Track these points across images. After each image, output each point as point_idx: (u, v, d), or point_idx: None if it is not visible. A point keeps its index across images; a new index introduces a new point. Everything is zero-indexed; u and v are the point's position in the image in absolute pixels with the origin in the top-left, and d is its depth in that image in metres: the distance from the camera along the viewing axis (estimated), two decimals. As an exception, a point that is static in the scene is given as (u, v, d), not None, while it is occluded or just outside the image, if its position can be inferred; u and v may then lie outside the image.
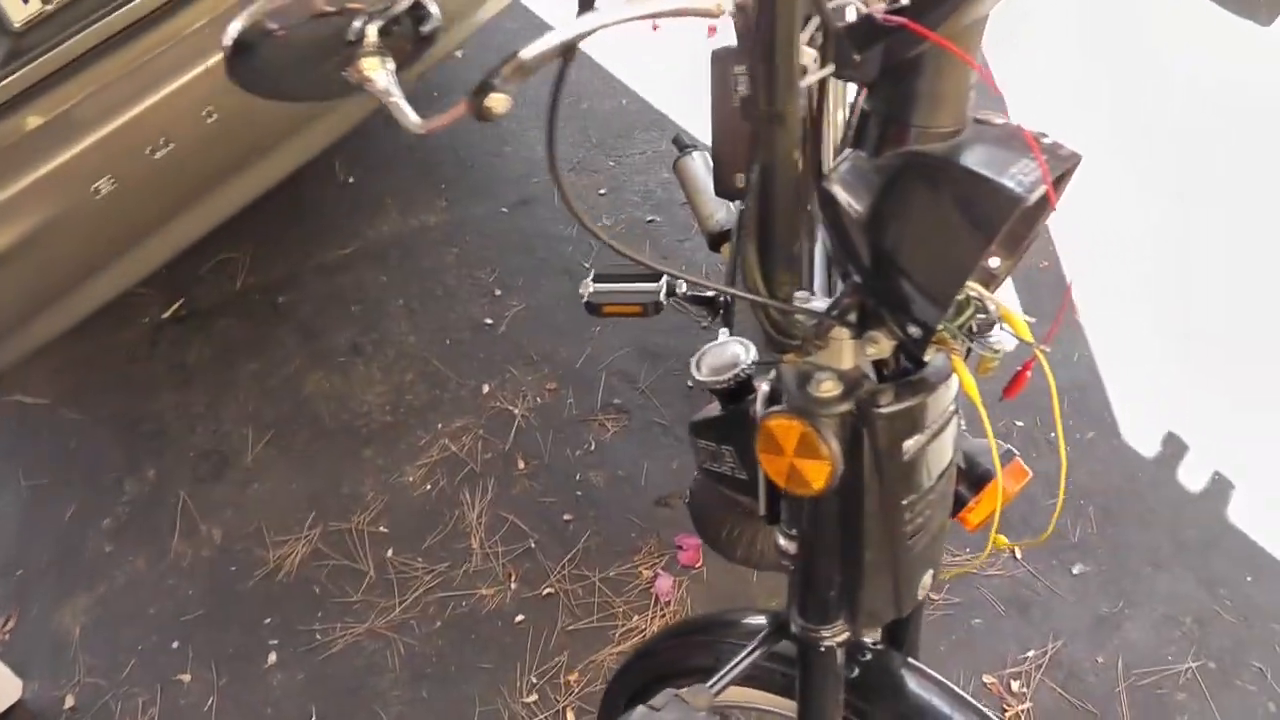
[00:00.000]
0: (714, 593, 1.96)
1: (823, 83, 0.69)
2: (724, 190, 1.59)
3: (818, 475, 0.78)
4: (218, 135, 1.84)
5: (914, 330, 0.72)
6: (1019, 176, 0.65)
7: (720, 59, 1.58)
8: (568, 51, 0.59)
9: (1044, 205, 0.77)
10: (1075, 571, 1.88)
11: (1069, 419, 2.07)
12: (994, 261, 0.81)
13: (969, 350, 0.79)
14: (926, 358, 0.76)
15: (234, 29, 0.60)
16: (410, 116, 0.64)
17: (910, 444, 0.81)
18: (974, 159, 0.67)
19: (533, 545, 2.07)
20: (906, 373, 0.82)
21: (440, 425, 2.27)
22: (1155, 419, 2.06)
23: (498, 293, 2.49)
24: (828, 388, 0.78)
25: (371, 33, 0.65)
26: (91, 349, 2.56)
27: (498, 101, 0.52)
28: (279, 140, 2.07)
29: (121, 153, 1.74)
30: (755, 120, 0.66)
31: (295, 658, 1.99)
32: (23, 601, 2.20)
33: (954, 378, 0.84)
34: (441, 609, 2.01)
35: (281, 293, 2.56)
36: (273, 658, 2.00)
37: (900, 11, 0.64)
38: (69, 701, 2.03)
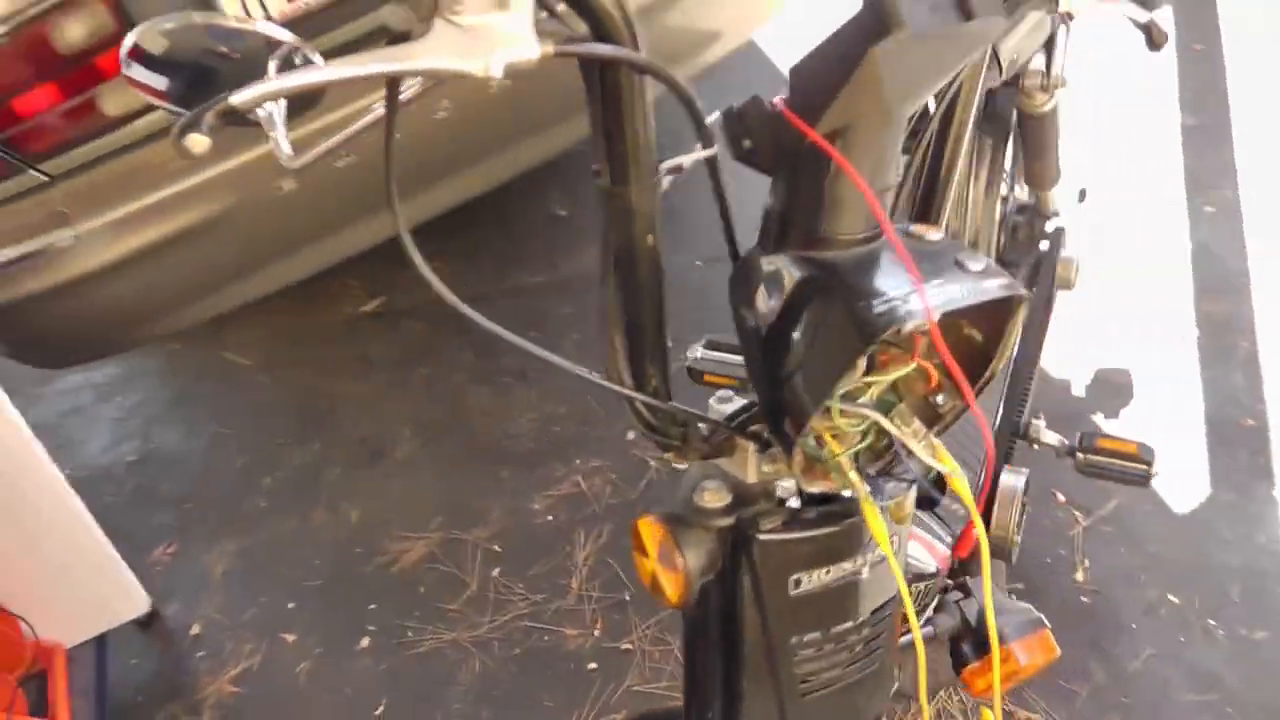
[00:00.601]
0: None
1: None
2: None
3: (672, 587, 0.72)
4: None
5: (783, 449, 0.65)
6: (889, 305, 0.58)
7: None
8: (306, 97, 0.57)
9: (994, 340, 0.69)
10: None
11: (1238, 609, 1.81)
12: (940, 398, 0.73)
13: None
14: (814, 489, 0.68)
15: (130, 39, 0.63)
16: (284, 149, 0.65)
17: (803, 578, 0.73)
18: (854, 277, 0.61)
19: (627, 598, 2.04)
20: (827, 500, 0.75)
21: (578, 461, 2.29)
22: (1347, 636, 1.77)
23: (670, 344, 2.48)
24: (709, 497, 0.72)
25: (272, 68, 0.66)
26: (298, 326, 2.79)
27: (196, 143, 0.50)
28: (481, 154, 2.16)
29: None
30: (603, 197, 0.62)
31: (384, 648, 2.06)
32: (185, 532, 2.40)
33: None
34: (525, 637, 2.02)
35: (469, 307, 2.67)
36: (365, 642, 2.08)
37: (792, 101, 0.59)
38: (195, 629, 2.19)
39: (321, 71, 0.50)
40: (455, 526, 2.24)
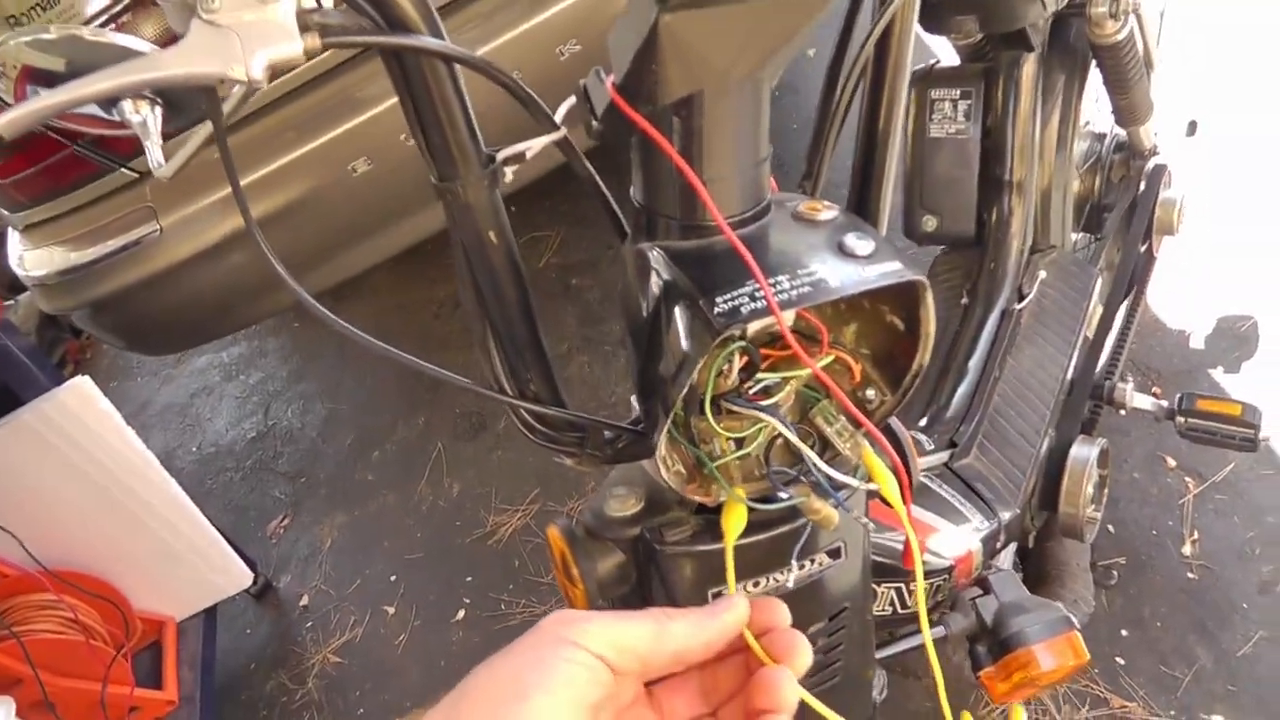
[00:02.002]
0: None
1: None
2: (910, 229, 1.44)
3: (576, 601, 0.68)
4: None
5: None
6: (734, 303, 0.52)
7: (919, 80, 1.42)
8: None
9: (907, 337, 0.61)
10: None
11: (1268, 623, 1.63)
12: (869, 392, 0.66)
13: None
14: (697, 498, 0.62)
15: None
16: (155, 158, 0.63)
17: (725, 590, 0.67)
18: (708, 271, 0.55)
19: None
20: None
21: (669, 430, 2.26)
22: None
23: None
24: (615, 505, 0.67)
25: None
26: (411, 300, 2.83)
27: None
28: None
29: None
30: (438, 194, 0.58)
31: (479, 620, 2.09)
32: (297, 506, 2.50)
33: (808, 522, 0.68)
34: (610, 610, 2.01)
35: (577, 275, 2.66)
36: (461, 614, 2.11)
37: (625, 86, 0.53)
38: (304, 600, 2.28)
39: (71, 88, 0.47)
40: (551, 498, 2.24)
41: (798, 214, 0.59)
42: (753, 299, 0.52)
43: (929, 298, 0.58)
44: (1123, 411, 1.51)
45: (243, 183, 2.02)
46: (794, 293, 0.53)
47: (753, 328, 0.56)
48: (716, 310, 0.52)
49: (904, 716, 1.61)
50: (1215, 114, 2.29)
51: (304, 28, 0.48)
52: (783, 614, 0.53)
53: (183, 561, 1.99)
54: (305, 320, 3.04)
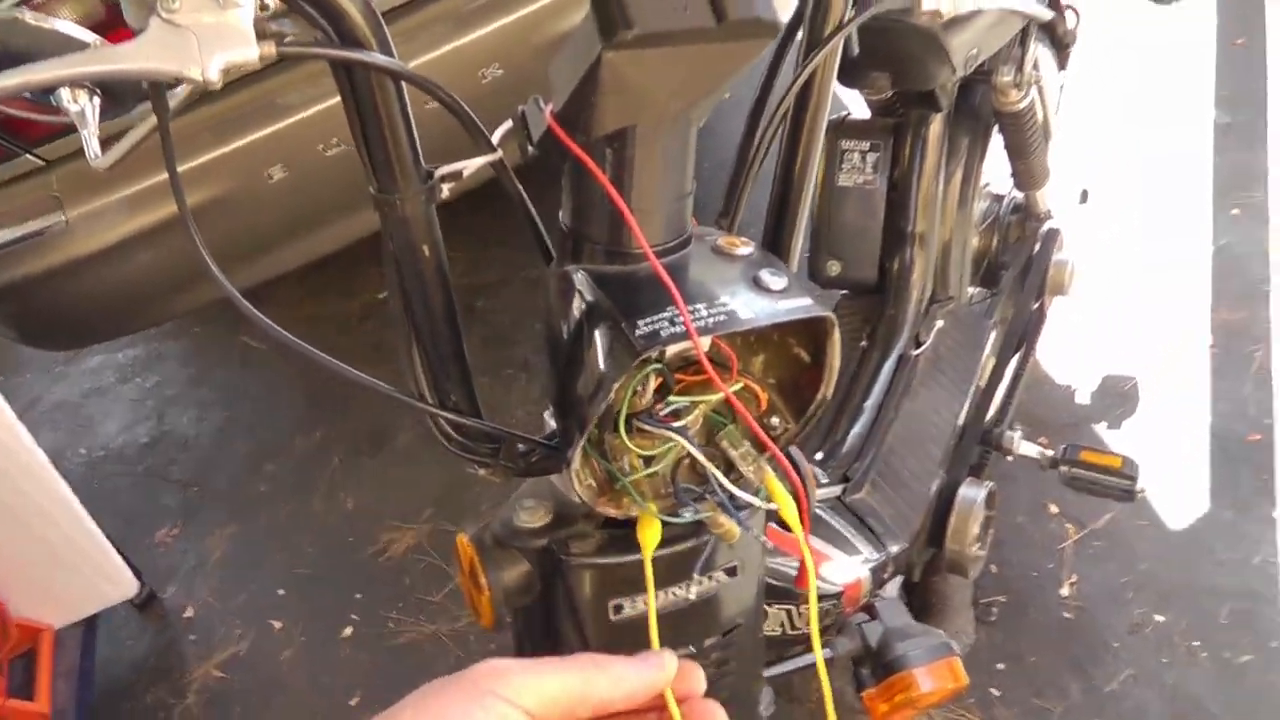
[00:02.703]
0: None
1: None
2: (814, 273, 1.50)
3: (482, 608, 0.70)
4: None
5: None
6: (654, 327, 0.55)
7: (831, 130, 1.49)
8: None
9: (807, 365, 0.65)
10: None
11: (1225, 632, 1.73)
12: (774, 420, 0.70)
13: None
14: (608, 513, 0.65)
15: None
16: (92, 148, 0.63)
17: (624, 604, 0.70)
18: (630, 296, 0.58)
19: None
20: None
21: (569, 456, 2.28)
22: (1343, 665, 1.68)
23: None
24: (525, 516, 0.70)
25: None
26: (316, 312, 2.81)
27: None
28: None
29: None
30: (375, 205, 0.60)
31: (367, 638, 2.07)
32: (188, 516, 2.45)
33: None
34: (502, 634, 2.01)
35: (483, 297, 2.68)
36: (348, 631, 2.09)
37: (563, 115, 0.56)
38: (189, 612, 2.23)
39: (20, 73, 0.48)
40: (445, 518, 2.24)
41: (717, 248, 0.63)
42: (672, 324, 0.56)
43: (835, 334, 0.62)
44: (1010, 458, 1.58)
45: (154, 182, 1.99)
46: (710, 320, 0.56)
47: (671, 351, 0.59)
48: (638, 333, 0.55)
49: (788, 745, 1.65)
50: (1101, 184, 2.42)
51: (261, 34, 0.50)
52: (699, 681, 0.55)
53: (66, 567, 1.93)
54: (207, 325, 2.99)
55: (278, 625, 2.15)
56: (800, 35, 0.71)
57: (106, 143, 0.61)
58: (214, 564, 2.32)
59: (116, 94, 0.64)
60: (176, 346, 3.00)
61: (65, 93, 0.60)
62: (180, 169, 1.89)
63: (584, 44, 0.51)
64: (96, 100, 0.64)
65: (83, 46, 0.64)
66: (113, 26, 0.67)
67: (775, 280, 0.60)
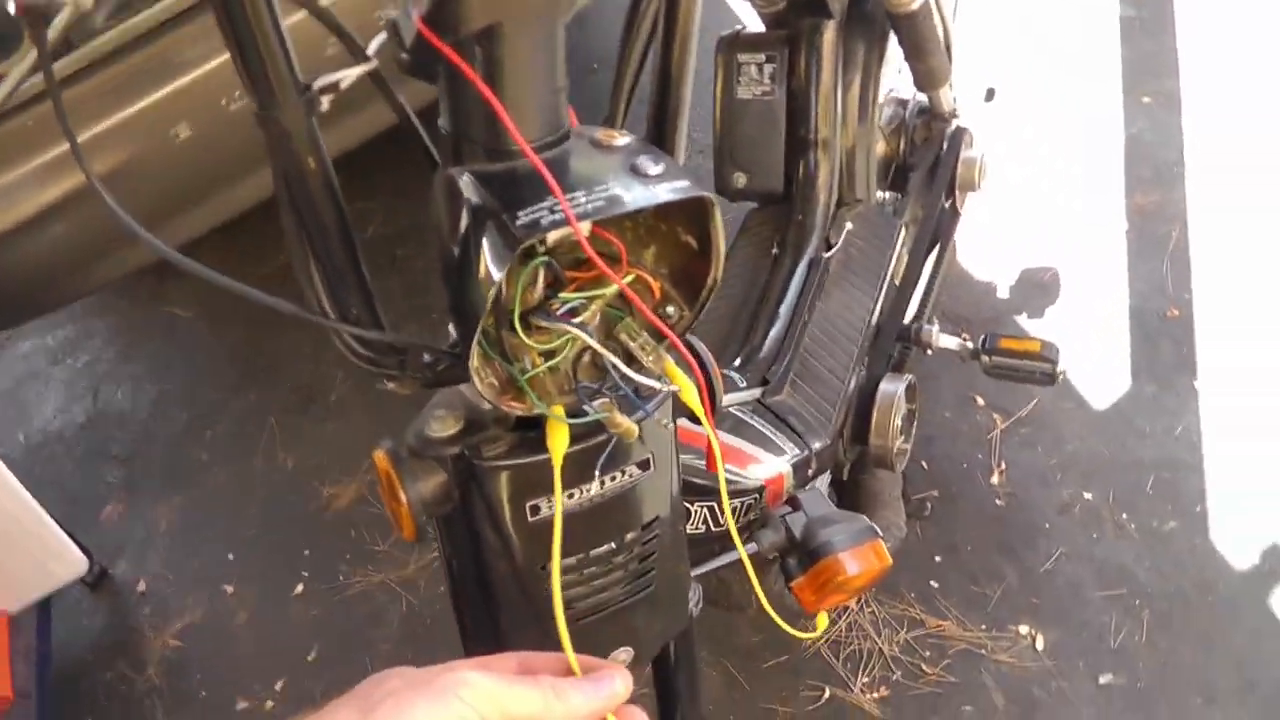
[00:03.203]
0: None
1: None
2: (722, 187, 1.51)
3: (403, 521, 0.71)
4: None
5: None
6: (534, 216, 0.57)
7: (726, 45, 1.50)
8: None
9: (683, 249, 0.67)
10: (1102, 681, 1.64)
11: (1150, 502, 1.80)
12: (669, 309, 0.71)
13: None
14: (516, 411, 0.66)
15: None
16: None
17: (541, 504, 0.71)
18: (510, 190, 0.59)
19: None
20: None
21: (507, 395, 2.29)
22: (1259, 523, 1.76)
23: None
24: (436, 426, 0.71)
25: None
26: (236, 276, 2.76)
27: None
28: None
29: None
30: (257, 123, 0.60)
31: (317, 594, 2.08)
32: (132, 490, 2.43)
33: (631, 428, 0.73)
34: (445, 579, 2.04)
35: (401, 245, 2.66)
36: (300, 588, 2.10)
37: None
38: (141, 586, 2.23)
39: None
40: (387, 439, 2.24)
41: (595, 141, 0.64)
42: (552, 212, 0.57)
43: (717, 214, 0.64)
44: (929, 351, 1.62)
45: (59, 152, 1.95)
46: (589, 206, 0.57)
47: (552, 237, 0.61)
48: (519, 222, 0.56)
49: (734, 651, 1.70)
50: (1011, 81, 2.45)
51: None
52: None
53: (14, 551, 1.91)
54: (131, 300, 2.94)
55: (230, 590, 2.16)
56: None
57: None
58: (162, 535, 2.31)
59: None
60: (104, 324, 2.95)
61: None
62: (84, 136, 1.88)
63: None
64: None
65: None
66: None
67: (653, 166, 0.61)
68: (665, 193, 0.60)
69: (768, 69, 1.44)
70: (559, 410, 0.66)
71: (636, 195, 0.59)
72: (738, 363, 1.30)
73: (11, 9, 0.52)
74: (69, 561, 2.04)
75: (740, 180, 1.46)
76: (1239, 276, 2.10)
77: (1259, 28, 2.58)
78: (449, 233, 0.63)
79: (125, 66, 1.88)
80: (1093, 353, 2.03)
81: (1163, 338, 2.03)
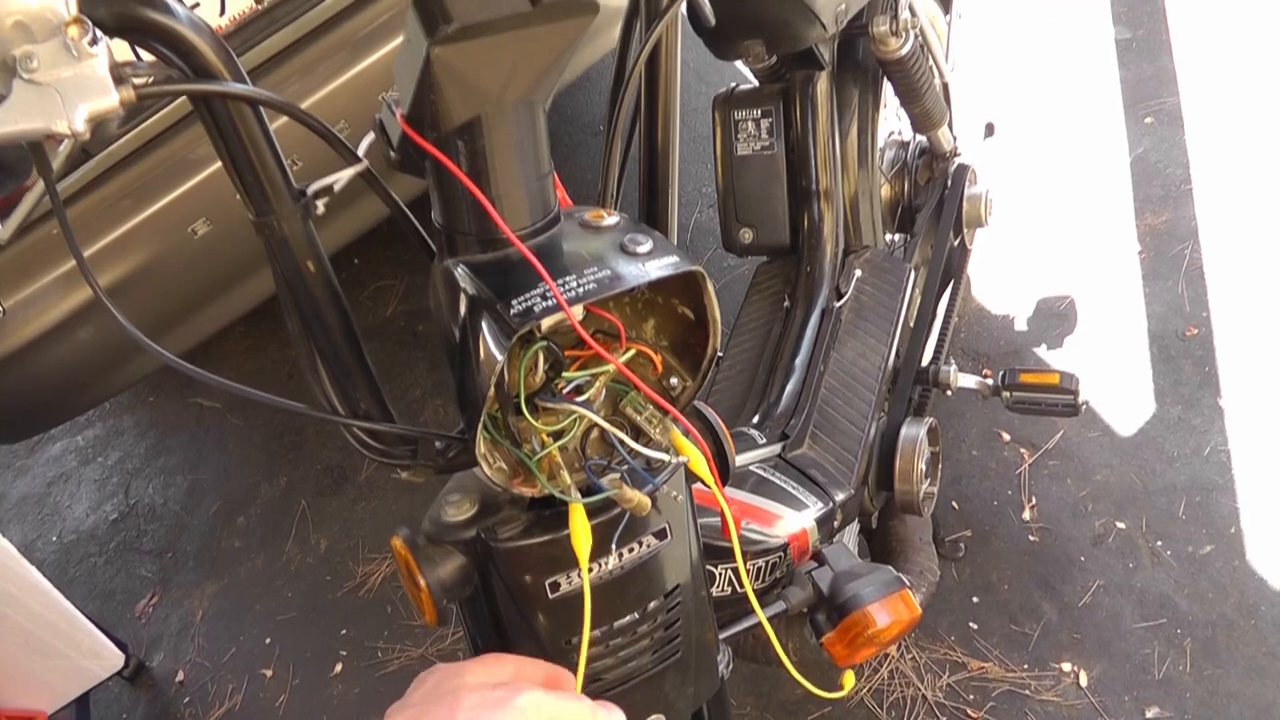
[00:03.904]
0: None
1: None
2: (729, 244, 1.52)
3: (426, 608, 0.72)
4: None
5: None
6: (528, 303, 0.58)
7: (722, 103, 1.52)
8: None
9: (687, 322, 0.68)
10: (1149, 715, 1.61)
11: (1184, 527, 1.78)
12: (672, 380, 0.72)
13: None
14: (527, 493, 0.67)
15: None
16: None
17: (560, 581, 0.72)
18: (502, 278, 0.60)
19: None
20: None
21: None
22: (1300, 542, 1.73)
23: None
24: (451, 510, 0.72)
25: None
26: (263, 363, 2.81)
27: None
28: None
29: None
30: (256, 230, 0.62)
31: (357, 671, 2.08)
32: (165, 582, 2.44)
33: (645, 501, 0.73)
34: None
35: (423, 321, 2.69)
36: (339, 667, 2.10)
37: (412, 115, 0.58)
38: (180, 676, 2.23)
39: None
40: (404, 528, 2.24)
41: (584, 222, 0.65)
42: (544, 298, 0.58)
43: (709, 286, 0.65)
44: (949, 392, 1.62)
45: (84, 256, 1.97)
46: (581, 289, 0.58)
47: (546, 324, 0.62)
48: (512, 311, 0.57)
49: (778, 705, 1.68)
50: (1012, 114, 2.47)
51: (119, 80, 0.51)
52: None
53: (50, 651, 1.93)
54: (160, 394, 2.98)
55: (269, 673, 2.16)
56: (641, 8, 0.74)
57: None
58: (198, 625, 2.32)
59: (6, 165, 0.66)
60: (133, 419, 2.99)
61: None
62: (105, 240, 1.92)
63: (414, 43, 0.53)
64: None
65: None
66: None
67: (642, 244, 0.62)
68: (655, 270, 0.61)
69: (764, 124, 1.46)
70: (575, 497, 0.66)
71: (627, 275, 0.60)
72: (756, 419, 1.30)
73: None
74: (105, 658, 2.06)
75: (747, 236, 1.47)
76: (1256, 290, 2.09)
77: (1254, 41, 2.59)
78: (449, 323, 0.64)
79: (141, 169, 1.93)
80: (1115, 378, 2.02)
81: (1184, 358, 2.02)
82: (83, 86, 0.51)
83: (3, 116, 0.52)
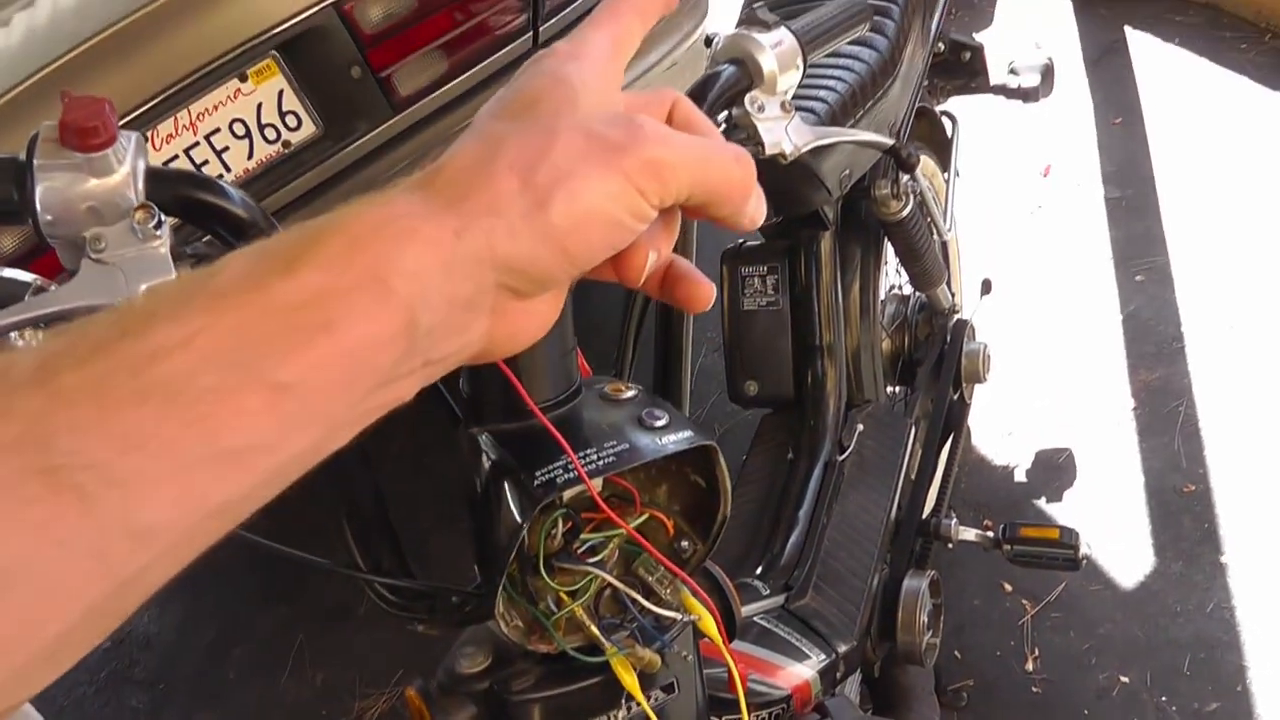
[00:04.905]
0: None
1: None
2: (735, 396, 1.56)
3: (437, 763, 0.73)
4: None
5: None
6: (550, 475, 0.61)
7: (730, 258, 1.58)
8: None
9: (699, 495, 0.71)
10: None
11: (1190, 683, 1.77)
12: (684, 543, 0.75)
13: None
14: (542, 649, 0.70)
15: None
16: None
17: (567, 732, 0.74)
18: (524, 449, 0.64)
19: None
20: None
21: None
22: (1306, 703, 1.73)
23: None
24: (466, 662, 0.74)
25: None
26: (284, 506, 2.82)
27: None
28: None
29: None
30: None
31: (350, 810, 2.05)
32: (156, 714, 2.42)
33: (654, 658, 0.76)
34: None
35: (429, 454, 2.72)
36: (329, 810, 2.07)
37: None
38: (168, 813, 2.19)
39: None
40: (418, 678, 2.23)
41: (604, 394, 0.69)
42: (566, 470, 0.61)
43: (720, 460, 0.68)
44: (950, 545, 1.64)
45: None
46: (601, 463, 0.62)
47: (568, 495, 0.65)
48: (536, 483, 0.60)
49: None
50: (1008, 271, 2.54)
51: (177, 258, 0.56)
52: None
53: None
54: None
55: (259, 814, 2.12)
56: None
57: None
58: (190, 761, 2.29)
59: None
60: (133, 543, 2.99)
61: (14, 334, 0.67)
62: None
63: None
64: (41, 334, 0.70)
65: (25, 286, 0.71)
66: (43, 250, 0.74)
67: (659, 419, 0.66)
68: (670, 445, 0.64)
69: (770, 280, 1.52)
70: (619, 660, 0.69)
71: (644, 449, 0.64)
72: (760, 570, 1.32)
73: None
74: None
75: (752, 388, 1.51)
76: (1252, 448, 2.12)
77: (1240, 199, 2.68)
78: (472, 488, 0.68)
79: None
80: (1116, 533, 2.04)
81: (1183, 513, 2.04)
82: (145, 266, 0.56)
83: (69, 291, 0.57)
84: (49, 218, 0.58)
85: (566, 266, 0.43)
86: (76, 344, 0.32)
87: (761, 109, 0.86)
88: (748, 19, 0.92)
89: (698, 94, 0.84)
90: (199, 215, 0.62)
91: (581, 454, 0.62)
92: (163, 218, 0.58)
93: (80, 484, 0.30)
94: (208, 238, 0.60)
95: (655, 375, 0.84)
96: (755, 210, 0.50)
